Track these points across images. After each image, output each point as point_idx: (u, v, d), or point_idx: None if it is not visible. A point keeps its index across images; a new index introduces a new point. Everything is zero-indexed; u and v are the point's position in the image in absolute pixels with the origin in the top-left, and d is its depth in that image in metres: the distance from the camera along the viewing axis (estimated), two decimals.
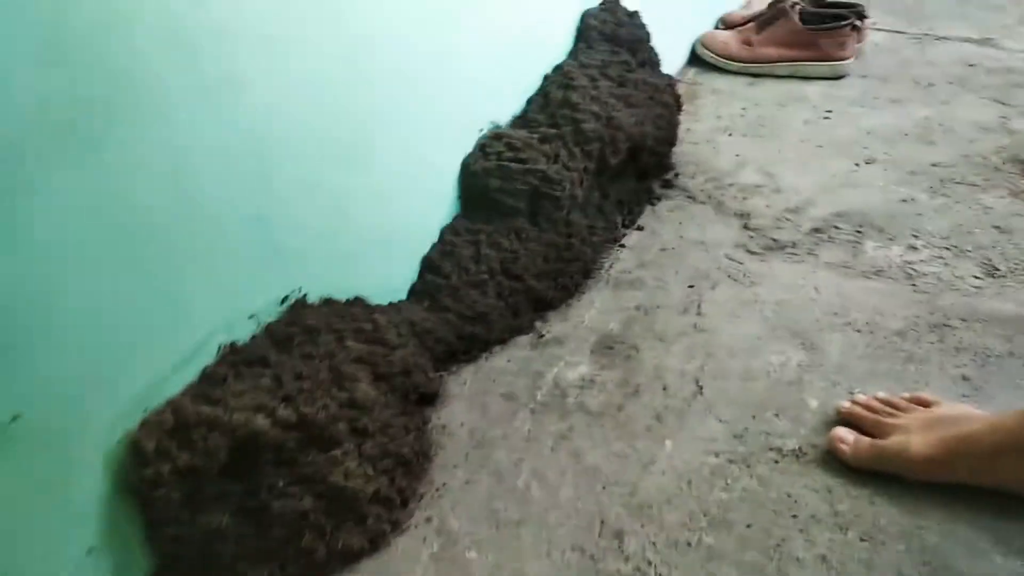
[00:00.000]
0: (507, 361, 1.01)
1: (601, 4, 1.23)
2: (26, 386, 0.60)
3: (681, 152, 1.37)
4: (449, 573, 0.78)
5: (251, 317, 0.79)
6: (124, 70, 0.60)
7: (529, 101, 1.14)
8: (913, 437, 0.82)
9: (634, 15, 1.25)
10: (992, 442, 0.77)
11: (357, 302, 0.90)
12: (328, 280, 0.88)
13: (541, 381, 0.98)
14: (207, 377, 0.74)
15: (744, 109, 1.51)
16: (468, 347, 1.01)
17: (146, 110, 0.63)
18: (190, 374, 0.74)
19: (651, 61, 1.25)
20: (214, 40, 0.66)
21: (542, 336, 1.04)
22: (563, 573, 0.77)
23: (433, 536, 0.81)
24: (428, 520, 0.83)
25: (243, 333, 0.79)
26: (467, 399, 0.96)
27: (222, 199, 0.71)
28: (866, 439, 0.84)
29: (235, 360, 0.76)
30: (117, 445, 0.69)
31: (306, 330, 0.82)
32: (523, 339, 1.04)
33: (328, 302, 0.86)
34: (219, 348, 0.76)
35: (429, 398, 0.94)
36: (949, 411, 0.84)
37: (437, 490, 0.86)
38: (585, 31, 1.20)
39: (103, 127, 0.60)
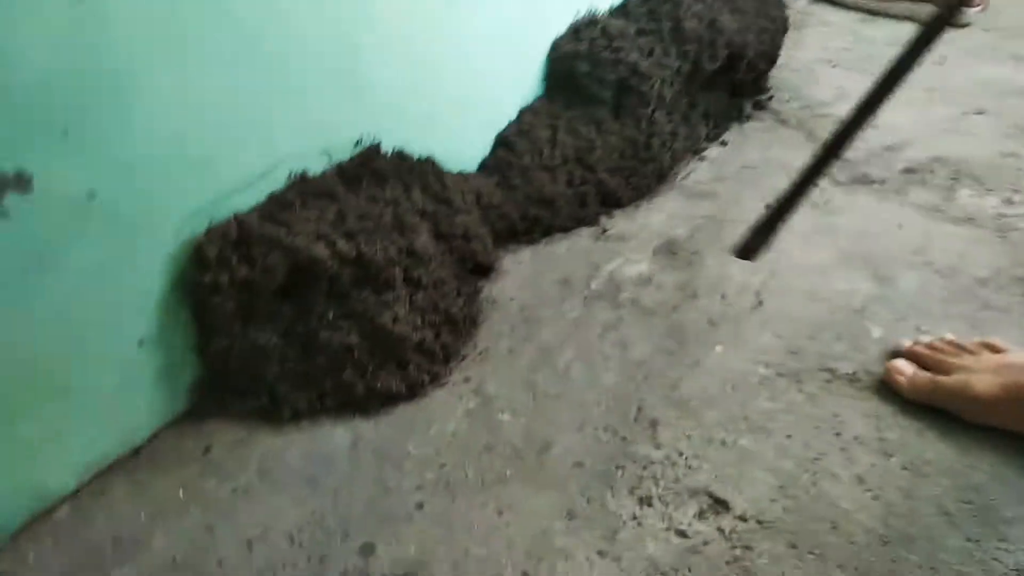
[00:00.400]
0: (567, 249, 1.00)
1: None
2: (103, 165, 0.61)
3: (779, 77, 1.31)
4: (480, 430, 0.79)
5: (324, 152, 0.80)
6: None
7: None
8: (976, 377, 0.78)
9: None
10: None
11: (428, 161, 0.89)
12: (402, 135, 0.87)
13: (598, 272, 0.96)
14: (275, 201, 0.76)
15: (852, 44, 1.42)
16: (530, 229, 1.00)
17: None
18: (257, 196, 0.75)
19: None
20: None
21: (606, 231, 1.02)
22: (592, 448, 0.77)
23: (470, 395, 0.82)
24: (466, 380, 0.84)
25: (314, 166, 0.79)
26: (521, 278, 0.96)
27: (319, 35, 0.71)
28: (926, 373, 0.80)
29: (304, 190, 0.77)
30: (181, 247, 0.71)
31: (375, 174, 0.82)
32: (586, 231, 1.03)
33: (400, 154, 0.86)
34: (289, 175, 0.77)
35: (484, 270, 0.94)
36: (1020, 358, 0.80)
37: (480, 354, 0.86)
38: None
39: None
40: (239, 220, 0.72)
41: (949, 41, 1.42)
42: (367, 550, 0.69)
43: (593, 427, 0.79)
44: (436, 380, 0.82)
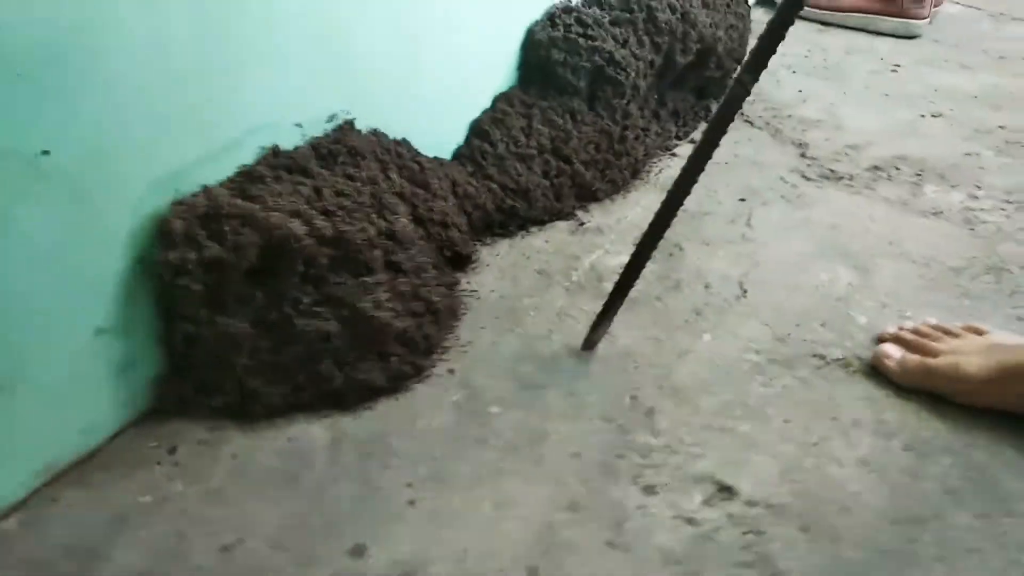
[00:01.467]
0: (544, 241, 0.97)
1: None
2: (57, 122, 0.55)
3: None
4: (470, 423, 0.74)
5: (298, 125, 0.74)
6: None
7: None
8: (966, 359, 0.78)
9: None
10: None
11: (404, 143, 0.85)
12: (377, 116, 0.83)
13: (578, 263, 0.93)
14: (246, 174, 0.70)
15: (810, 51, 1.45)
16: (505, 221, 0.96)
17: None
18: (226, 169, 0.70)
19: None
20: None
21: (583, 224, 1.00)
22: (589, 438, 0.73)
23: (456, 387, 0.77)
24: (451, 372, 0.79)
25: (286, 140, 0.74)
26: (500, 269, 0.92)
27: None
28: (915, 356, 0.80)
29: (276, 164, 0.72)
30: (143, 221, 0.64)
31: (351, 152, 0.77)
32: (562, 224, 1.00)
33: (375, 133, 0.82)
34: (261, 149, 0.72)
35: (462, 260, 0.90)
36: (1005, 339, 0.80)
37: (463, 346, 0.82)
38: None
39: None
40: (208, 193, 0.66)
41: (900, 50, 1.47)
42: (358, 551, 0.63)
43: (588, 417, 0.75)
44: (419, 373, 0.77)
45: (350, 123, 0.78)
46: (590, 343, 0.80)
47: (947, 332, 0.83)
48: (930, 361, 0.79)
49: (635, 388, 0.78)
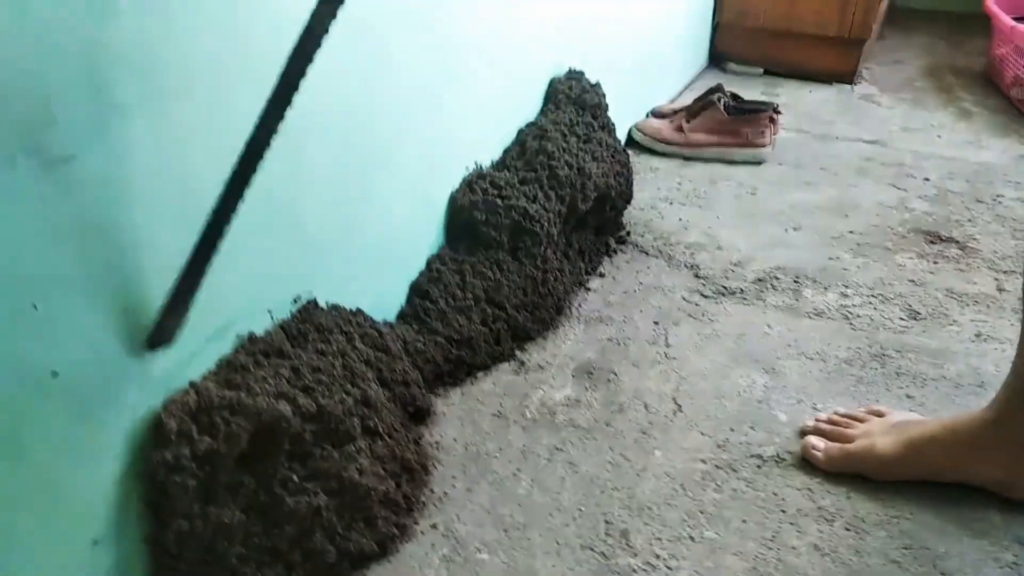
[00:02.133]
0: (492, 384, 1.04)
1: (567, 73, 1.36)
2: (67, 343, 0.58)
3: (630, 216, 1.48)
4: (462, 574, 0.77)
5: (268, 311, 0.79)
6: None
7: (506, 150, 1.22)
8: (877, 439, 0.90)
9: (596, 85, 1.38)
10: (948, 440, 0.86)
11: (359, 312, 0.91)
12: (330, 291, 0.89)
13: (528, 401, 1.00)
14: (228, 364, 0.74)
15: (679, 183, 1.65)
16: (454, 370, 1.03)
17: (203, 92, 0.66)
18: (209, 361, 0.73)
19: (609, 126, 1.37)
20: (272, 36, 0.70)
21: (523, 364, 1.08)
22: (576, 570, 0.78)
23: (441, 541, 0.81)
24: (434, 527, 0.82)
25: (259, 326, 0.79)
26: (458, 417, 0.97)
27: (259, 187, 0.73)
28: (836, 444, 0.91)
29: (254, 350, 0.76)
30: (137, 425, 0.66)
31: (318, 328, 0.82)
32: (505, 366, 1.07)
33: (335, 307, 0.87)
34: (237, 337, 0.76)
35: (421, 415, 0.95)
36: (904, 417, 0.94)
37: (439, 499, 0.86)
38: (553, 94, 1.31)
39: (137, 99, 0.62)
40: (197, 388, 0.69)
41: (754, 175, 1.70)
42: None
43: (570, 548, 0.80)
44: (404, 532, 0.80)
45: (313, 302, 0.84)
46: (164, 335, 0.65)
47: (855, 418, 0.96)
48: (848, 447, 0.90)
49: (606, 512, 0.84)
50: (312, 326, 0.82)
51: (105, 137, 0.57)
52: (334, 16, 0.57)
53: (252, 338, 0.77)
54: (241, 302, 0.75)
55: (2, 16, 0.48)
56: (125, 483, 0.66)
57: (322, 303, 0.87)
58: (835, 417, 0.96)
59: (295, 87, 0.59)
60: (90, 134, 0.56)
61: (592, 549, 0.80)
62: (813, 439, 0.93)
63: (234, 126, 0.65)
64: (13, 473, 0.56)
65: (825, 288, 1.27)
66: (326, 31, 0.58)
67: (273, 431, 0.71)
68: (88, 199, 0.57)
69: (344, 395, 0.78)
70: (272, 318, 0.80)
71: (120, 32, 0.57)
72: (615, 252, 1.37)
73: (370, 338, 0.87)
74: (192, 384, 0.70)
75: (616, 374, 1.06)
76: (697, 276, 1.30)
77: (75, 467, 0.61)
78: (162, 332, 0.64)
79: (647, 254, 1.37)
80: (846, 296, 1.25)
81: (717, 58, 2.45)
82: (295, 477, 0.74)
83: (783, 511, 0.85)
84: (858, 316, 1.19)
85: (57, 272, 0.56)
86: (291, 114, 0.63)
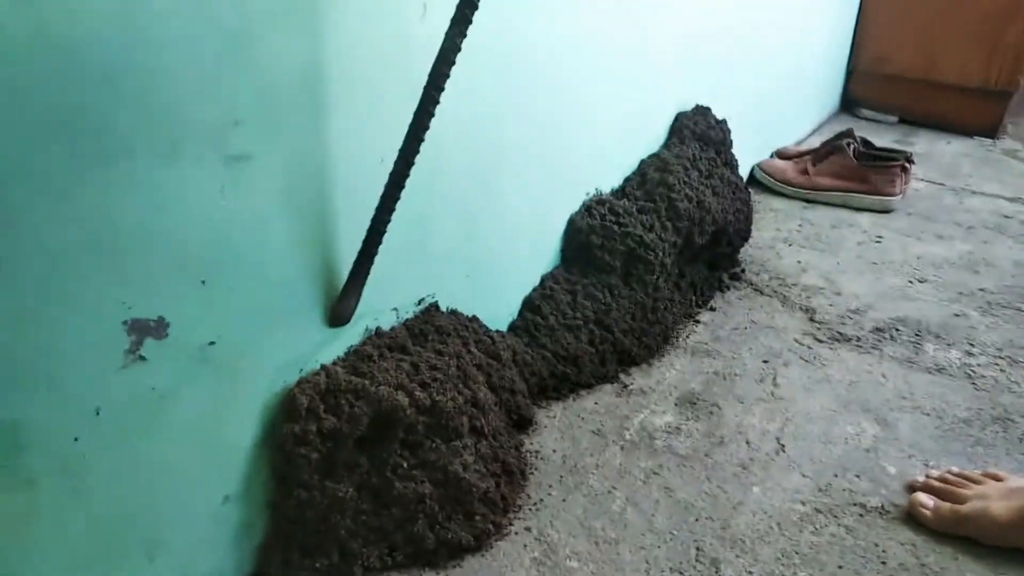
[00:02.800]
0: (595, 403, 1.06)
1: (694, 108, 1.38)
2: (229, 313, 0.65)
3: (746, 253, 1.48)
4: None
5: (394, 309, 0.86)
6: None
7: (627, 179, 1.25)
8: (992, 504, 0.86)
9: (722, 122, 1.39)
10: None
11: (475, 319, 0.96)
12: (449, 295, 0.95)
13: (628, 423, 1.02)
14: (356, 353, 0.80)
15: (800, 226, 1.63)
16: (558, 386, 1.06)
17: (362, 103, 0.73)
18: (339, 349, 0.80)
19: (732, 163, 1.38)
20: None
21: (626, 387, 1.10)
22: None
23: (533, 543, 0.84)
24: (528, 529, 0.85)
25: (386, 323, 0.85)
26: (558, 430, 1.00)
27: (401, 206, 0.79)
28: (947, 504, 0.88)
29: (379, 343, 0.82)
30: (273, 398, 0.73)
31: (438, 330, 0.88)
32: (608, 387, 1.10)
33: (454, 313, 0.93)
34: (365, 330, 0.82)
35: (524, 423, 0.99)
36: (1022, 482, 0.89)
37: (535, 504, 0.89)
38: (679, 128, 1.33)
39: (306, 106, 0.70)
40: (327, 371, 0.76)
41: (881, 223, 1.65)
42: None
43: (659, 569, 0.81)
44: (499, 531, 0.84)
45: (435, 305, 0.90)
46: (343, 312, 0.76)
47: (970, 479, 0.92)
48: (960, 508, 0.87)
49: (698, 540, 0.85)
50: (433, 327, 0.87)
51: (278, 138, 0.65)
52: (463, 35, 0.64)
53: (379, 332, 0.83)
54: (372, 298, 0.81)
55: (194, 32, 0.57)
56: (257, 450, 0.73)
57: (443, 308, 0.93)
58: (949, 476, 0.93)
59: (436, 101, 0.66)
60: (267, 135, 0.64)
61: (681, 573, 0.81)
62: (922, 496, 0.90)
63: (386, 134, 0.73)
64: (169, 427, 0.64)
65: (949, 344, 1.22)
66: (458, 49, 0.65)
67: (390, 419, 0.77)
68: (260, 192, 0.65)
69: (456, 394, 0.83)
70: (398, 316, 0.86)
71: (291, 46, 0.64)
72: (728, 288, 1.37)
73: (483, 345, 0.92)
74: (323, 367, 0.77)
75: (719, 407, 1.06)
76: (812, 320, 1.28)
77: (219, 428, 0.69)
78: (342, 310, 0.75)
79: (761, 293, 1.37)
80: (971, 355, 1.19)
81: (849, 103, 2.40)
82: (405, 464, 0.79)
83: (883, 563, 0.82)
84: (982, 376, 1.14)
85: (226, 256, 0.64)
86: (429, 132, 0.70)
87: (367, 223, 0.73)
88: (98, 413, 0.57)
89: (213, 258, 0.63)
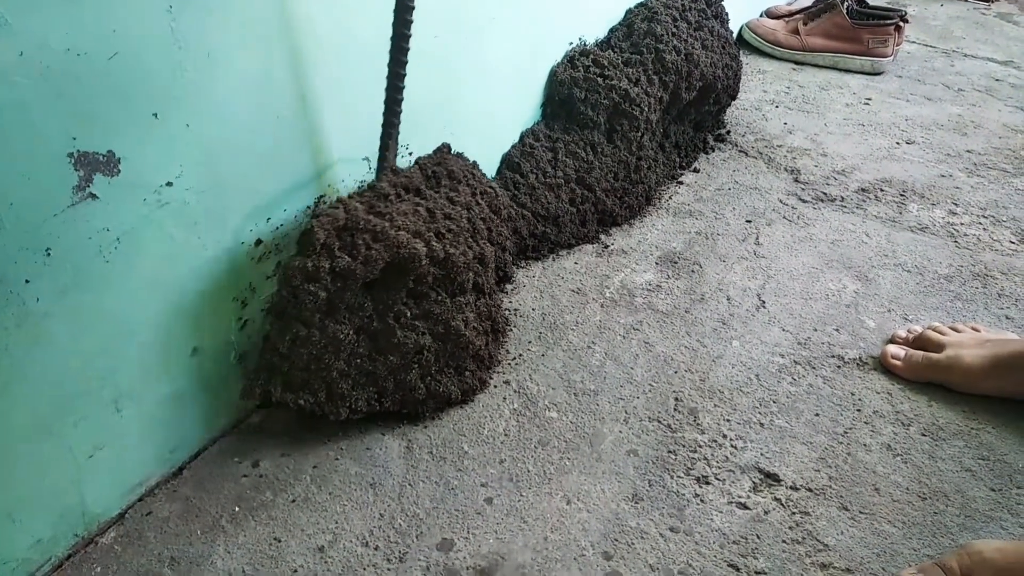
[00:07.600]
0: (574, 263, 1.04)
1: None
2: (186, 151, 0.61)
3: (732, 114, 1.43)
4: (531, 427, 0.80)
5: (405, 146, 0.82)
6: None
7: (612, 29, 1.18)
8: (965, 352, 0.87)
9: None
10: None
11: (476, 166, 0.91)
12: (427, 148, 0.90)
13: (608, 282, 1.01)
14: (373, 190, 0.76)
15: (789, 88, 1.57)
16: (537, 245, 1.03)
17: None
18: (351, 181, 0.77)
19: (722, 16, 1.31)
20: None
21: (607, 247, 1.07)
22: (641, 437, 0.79)
23: (513, 396, 0.83)
24: (507, 383, 0.85)
25: (400, 162, 0.81)
26: (538, 289, 0.99)
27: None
28: (919, 352, 0.88)
29: (396, 182, 0.78)
30: (240, 246, 0.70)
31: (450, 175, 0.84)
32: (588, 247, 1.07)
33: (461, 156, 0.89)
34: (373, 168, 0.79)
35: (504, 280, 0.97)
36: (998, 334, 0.90)
37: (514, 359, 0.88)
38: None
39: None
40: (346, 207, 0.72)
41: (870, 85, 1.60)
42: (446, 545, 0.68)
43: (638, 418, 0.81)
44: (484, 386, 0.83)
45: (447, 146, 0.86)
46: (387, 166, 0.79)
47: (951, 328, 0.92)
48: (932, 355, 0.88)
49: (677, 391, 0.85)
50: (445, 170, 0.83)
51: None
52: None
53: (394, 171, 0.79)
54: (347, 150, 0.77)
55: None
56: (224, 300, 0.71)
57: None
58: (929, 330, 0.93)
59: None
60: None
61: (659, 421, 0.81)
62: (893, 347, 0.90)
63: None
64: (128, 273, 0.60)
65: (933, 204, 1.20)
66: None
67: (404, 267, 0.73)
68: (216, 16, 0.59)
69: (467, 248, 0.79)
70: (410, 155, 0.83)
71: None
72: (712, 150, 1.33)
73: (487, 197, 0.88)
74: (341, 201, 0.73)
75: (701, 266, 1.04)
76: (796, 180, 1.26)
77: (182, 277, 0.66)
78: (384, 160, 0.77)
79: (746, 154, 1.33)
80: (954, 214, 1.18)
81: None
82: (408, 313, 0.76)
83: (859, 410, 0.84)
84: (964, 235, 1.13)
85: (177, 87, 0.58)
86: None
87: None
88: (48, 253, 0.54)
89: (163, 88, 0.57)
